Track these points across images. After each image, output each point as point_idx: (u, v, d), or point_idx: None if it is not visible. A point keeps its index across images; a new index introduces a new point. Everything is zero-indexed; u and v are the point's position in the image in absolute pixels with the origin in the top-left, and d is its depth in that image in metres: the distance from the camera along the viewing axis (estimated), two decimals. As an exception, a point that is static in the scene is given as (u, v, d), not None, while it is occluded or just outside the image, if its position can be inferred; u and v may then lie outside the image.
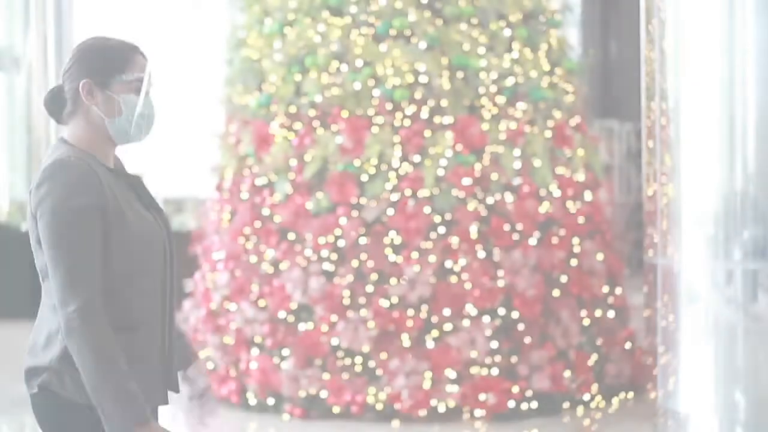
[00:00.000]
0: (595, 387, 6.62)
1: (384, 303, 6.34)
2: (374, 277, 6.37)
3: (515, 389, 6.36)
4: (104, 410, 2.40)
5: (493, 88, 6.66)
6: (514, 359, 6.42)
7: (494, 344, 6.37)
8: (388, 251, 6.40)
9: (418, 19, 6.61)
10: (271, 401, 6.50)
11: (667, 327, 5.62)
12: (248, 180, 6.84)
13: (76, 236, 2.43)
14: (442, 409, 6.28)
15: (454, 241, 6.41)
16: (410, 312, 6.34)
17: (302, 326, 6.46)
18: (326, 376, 6.37)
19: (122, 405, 2.39)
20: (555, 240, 6.64)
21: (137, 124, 2.60)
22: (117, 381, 2.40)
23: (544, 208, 6.64)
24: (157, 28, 11.64)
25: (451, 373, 6.30)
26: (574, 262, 6.69)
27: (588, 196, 6.95)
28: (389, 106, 6.54)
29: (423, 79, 6.54)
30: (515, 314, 6.44)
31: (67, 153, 2.53)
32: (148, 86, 2.62)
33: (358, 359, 6.37)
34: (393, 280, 6.35)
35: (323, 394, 6.36)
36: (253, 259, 6.71)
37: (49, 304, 2.52)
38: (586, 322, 6.68)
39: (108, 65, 2.58)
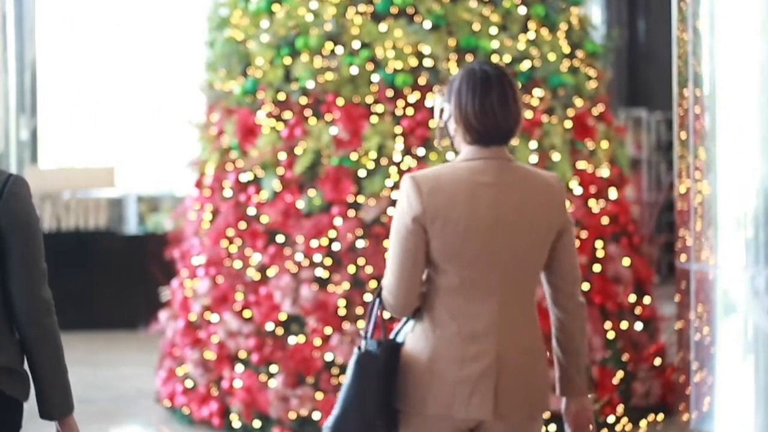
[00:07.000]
0: (620, 408, 6.62)
1: (384, 314, 6.33)
2: (373, 284, 6.37)
3: (531, 410, 6.35)
4: (59, 400, 2.91)
5: (507, 73, 6.66)
6: (529, 377, 6.41)
7: (507, 360, 6.36)
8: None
9: (423, -4, 6.61)
10: (257, 423, 6.51)
11: (702, 341, 5.62)
12: (232, 176, 6.85)
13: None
14: None
15: (463, 244, 6.41)
16: (413, 324, 6.33)
17: (292, 340, 6.46)
18: (319, 395, 6.38)
19: (69, 395, 2.93)
20: (576, 243, 6.63)
21: None
22: (66, 372, 2.94)
23: (564, 207, 6.63)
24: (128, 7, 11.66)
25: (459, 393, 6.30)
26: (597, 267, 6.70)
27: (613, 193, 6.95)
28: (390, 93, 6.55)
29: (428, 62, 6.55)
30: (531, 326, 6.43)
31: None
32: None
33: (355, 377, 6.36)
34: (394, 288, 6.34)
35: (316, 415, 6.37)
36: (238, 264, 6.72)
37: None
38: (611, 335, 6.68)
39: None
